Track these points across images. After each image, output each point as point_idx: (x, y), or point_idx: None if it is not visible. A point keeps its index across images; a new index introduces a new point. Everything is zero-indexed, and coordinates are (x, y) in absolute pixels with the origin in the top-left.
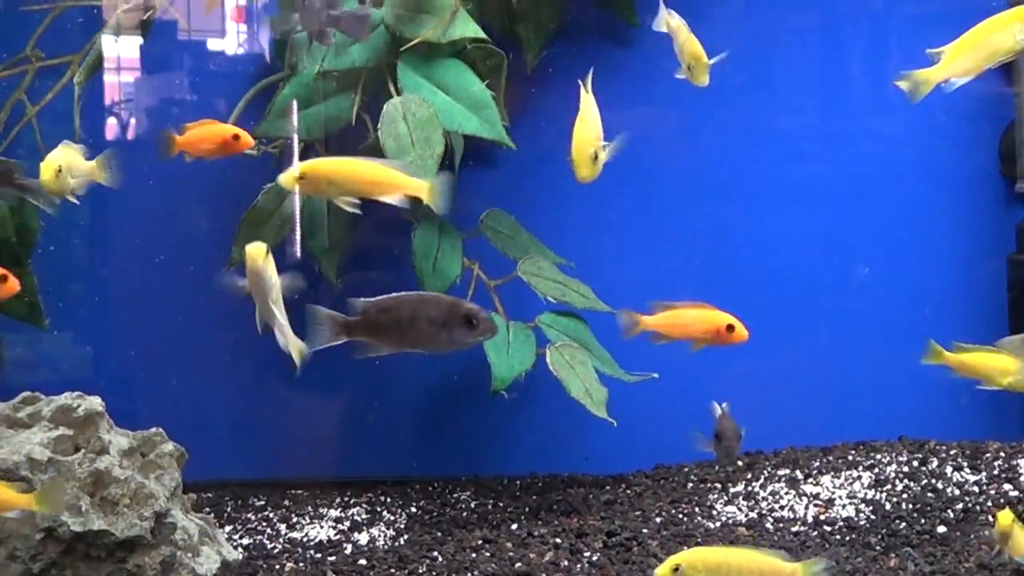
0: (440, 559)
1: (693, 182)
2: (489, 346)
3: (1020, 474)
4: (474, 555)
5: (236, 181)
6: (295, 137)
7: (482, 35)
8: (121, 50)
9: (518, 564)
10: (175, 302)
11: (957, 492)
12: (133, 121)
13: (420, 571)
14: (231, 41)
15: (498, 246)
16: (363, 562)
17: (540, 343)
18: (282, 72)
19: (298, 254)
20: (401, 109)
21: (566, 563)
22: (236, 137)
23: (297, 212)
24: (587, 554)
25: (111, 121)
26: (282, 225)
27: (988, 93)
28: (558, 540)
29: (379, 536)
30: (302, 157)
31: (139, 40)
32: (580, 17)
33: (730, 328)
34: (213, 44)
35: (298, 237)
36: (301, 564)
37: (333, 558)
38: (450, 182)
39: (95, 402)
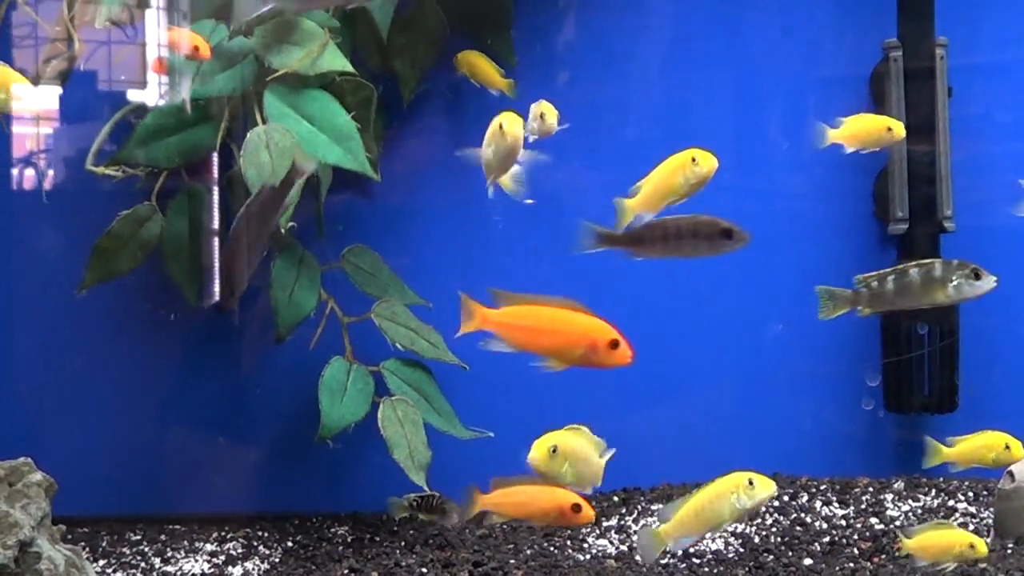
0: None
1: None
2: (323, 391)
3: (887, 508)
4: None
5: (93, 206)
6: None
7: (350, 69)
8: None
9: None
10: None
11: (825, 526)
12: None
13: None
14: (152, 92)
15: (357, 283)
16: None
17: (381, 390)
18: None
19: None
20: (264, 138)
21: None
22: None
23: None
24: None
25: (28, 172)
26: (139, 251)
27: None
28: (424, 570)
29: (253, 570)
30: (164, 185)
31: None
32: (457, 53)
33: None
34: (133, 95)
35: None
36: None
37: None
38: None
39: None
